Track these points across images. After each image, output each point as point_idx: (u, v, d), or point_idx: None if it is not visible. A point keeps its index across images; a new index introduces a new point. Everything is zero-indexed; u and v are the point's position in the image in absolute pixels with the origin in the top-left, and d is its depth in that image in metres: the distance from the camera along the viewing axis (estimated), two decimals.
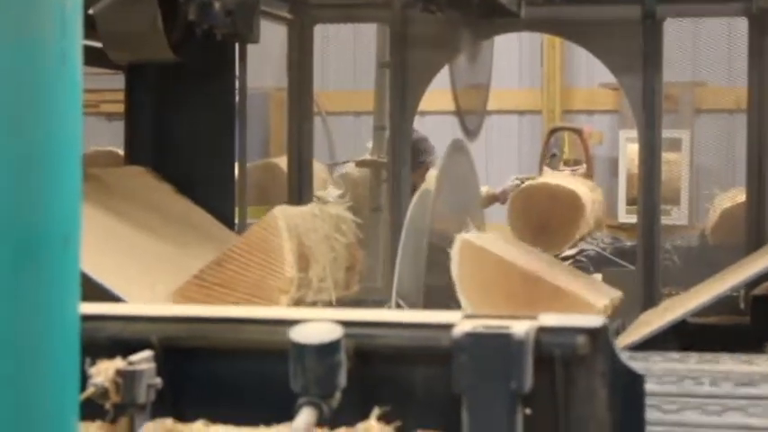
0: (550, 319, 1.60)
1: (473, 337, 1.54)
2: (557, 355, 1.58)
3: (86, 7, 4.43)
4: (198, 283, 3.82)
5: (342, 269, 4.23)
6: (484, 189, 7.01)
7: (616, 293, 4.68)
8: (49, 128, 1.23)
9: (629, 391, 1.61)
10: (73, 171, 1.27)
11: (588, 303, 4.13)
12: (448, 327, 1.58)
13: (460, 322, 1.58)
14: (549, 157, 9.36)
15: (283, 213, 3.98)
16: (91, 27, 4.53)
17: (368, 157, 6.73)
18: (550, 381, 1.60)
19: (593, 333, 1.59)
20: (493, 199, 7.57)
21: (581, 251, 6.65)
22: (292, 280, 3.81)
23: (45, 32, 1.22)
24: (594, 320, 1.60)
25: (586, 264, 6.40)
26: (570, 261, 6.48)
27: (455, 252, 4.16)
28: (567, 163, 9.65)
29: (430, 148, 6.85)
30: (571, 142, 10.03)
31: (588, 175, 8.60)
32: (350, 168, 7.12)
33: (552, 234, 6.53)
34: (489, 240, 4.38)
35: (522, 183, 7.13)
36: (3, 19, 1.18)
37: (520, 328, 1.55)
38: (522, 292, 4.13)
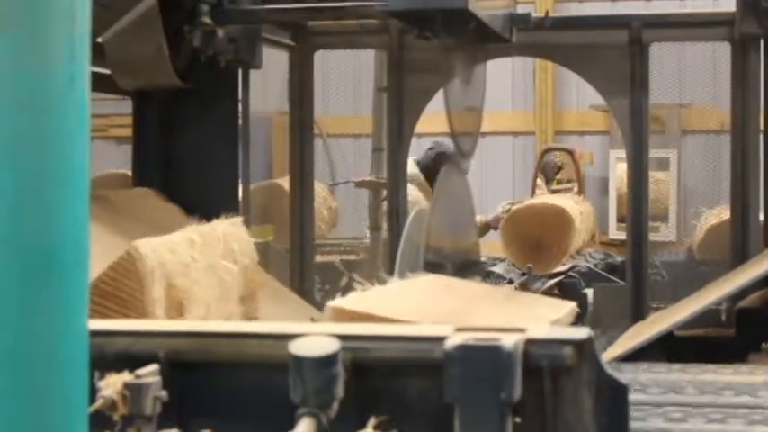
0: (538, 332, 1.64)
1: (464, 349, 1.57)
2: (545, 366, 1.62)
3: (95, 35, 4.58)
4: None
5: (234, 301, 3.59)
6: (477, 218, 7.08)
7: (565, 308, 3.95)
8: (58, 150, 1.26)
9: (613, 400, 1.65)
10: (81, 192, 1.29)
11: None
12: (440, 339, 1.60)
13: (452, 335, 1.61)
14: (556, 171, 9.47)
15: (146, 249, 3.15)
16: (100, 54, 4.64)
17: (367, 177, 6.79)
18: (539, 390, 1.63)
19: (579, 345, 1.63)
20: (486, 227, 7.62)
21: (573, 267, 6.69)
22: None
23: (54, 58, 1.25)
24: (580, 332, 1.64)
25: (578, 279, 6.46)
26: (562, 276, 6.54)
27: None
28: (560, 182, 9.80)
29: None
30: (563, 162, 10.17)
31: (580, 193, 8.68)
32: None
33: (548, 251, 6.49)
34: (370, 298, 3.22)
35: (513, 206, 7.17)
36: (15, 45, 1.22)
37: (509, 340, 1.58)
38: None
